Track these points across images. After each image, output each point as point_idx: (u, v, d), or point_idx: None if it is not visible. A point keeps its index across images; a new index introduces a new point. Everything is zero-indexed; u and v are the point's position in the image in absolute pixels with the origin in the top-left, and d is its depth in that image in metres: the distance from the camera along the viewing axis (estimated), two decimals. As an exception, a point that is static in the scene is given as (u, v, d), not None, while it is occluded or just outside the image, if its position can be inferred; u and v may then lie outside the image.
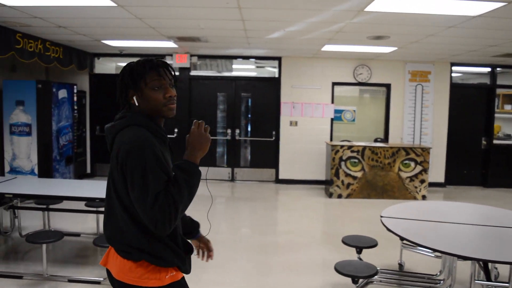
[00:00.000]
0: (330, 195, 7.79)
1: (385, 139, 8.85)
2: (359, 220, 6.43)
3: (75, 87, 7.66)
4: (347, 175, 7.75)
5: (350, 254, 4.51)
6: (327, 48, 7.35)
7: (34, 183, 5.23)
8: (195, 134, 1.77)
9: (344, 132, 8.99)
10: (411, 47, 6.96)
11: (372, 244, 3.93)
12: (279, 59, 8.74)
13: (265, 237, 5.58)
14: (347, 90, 9.07)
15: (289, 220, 6.44)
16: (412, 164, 7.76)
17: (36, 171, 6.96)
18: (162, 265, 1.74)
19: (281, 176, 8.90)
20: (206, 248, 2.20)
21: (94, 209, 4.97)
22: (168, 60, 8.57)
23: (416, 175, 7.78)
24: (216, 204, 7.30)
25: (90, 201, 4.53)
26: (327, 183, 8.04)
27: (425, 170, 7.77)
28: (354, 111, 8.96)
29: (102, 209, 4.92)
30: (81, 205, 5.03)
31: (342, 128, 8.99)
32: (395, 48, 7.17)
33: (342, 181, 7.76)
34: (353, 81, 8.69)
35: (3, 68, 7.43)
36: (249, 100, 9.05)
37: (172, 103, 1.81)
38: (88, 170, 8.98)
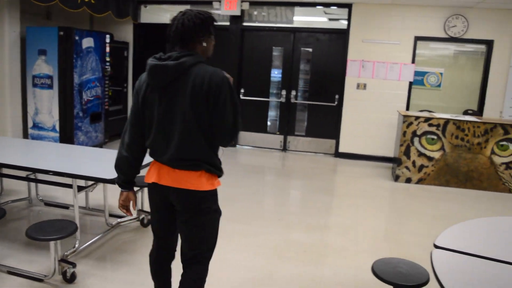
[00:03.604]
0: (396, 178, 6.22)
1: (479, 111, 6.90)
2: (430, 219, 4.85)
3: (107, 36, 6.81)
4: (420, 154, 6.09)
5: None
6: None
7: (16, 146, 4.46)
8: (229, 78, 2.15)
9: (426, 100, 7.19)
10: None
11: (420, 283, 2.38)
12: (349, 6, 7.08)
13: (290, 232, 4.32)
14: (433, 47, 7.17)
15: (336, 210, 5.09)
16: (512, 146, 5.87)
17: (57, 128, 6.34)
18: (216, 173, 2.19)
19: (341, 149, 7.43)
20: (133, 203, 2.43)
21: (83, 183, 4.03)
22: (216, 7, 7.38)
23: (516, 162, 5.89)
24: (259, 177, 6.15)
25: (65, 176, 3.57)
26: (394, 162, 6.46)
27: (530, 156, 5.85)
28: (441, 74, 7.08)
29: (81, 183, 4.12)
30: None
31: (424, 95, 7.18)
32: (501, -12, 5.23)
33: (414, 162, 6.12)
34: (443, 35, 6.77)
35: (36, 16, 6.83)
36: (310, 57, 7.58)
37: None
38: (130, 129, 8.29)
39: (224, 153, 2.55)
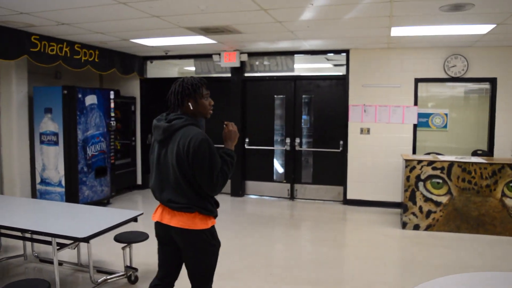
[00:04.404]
0: (403, 225, 5.96)
1: (489, 151, 6.64)
2: (435, 270, 4.55)
3: (111, 92, 7.03)
4: (426, 199, 5.85)
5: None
6: (397, 32, 5.61)
7: (12, 205, 4.55)
8: (231, 131, 2.65)
9: (433, 142, 7.00)
10: (516, 22, 4.91)
11: None
12: (346, 52, 7.12)
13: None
14: (436, 88, 7.06)
15: (334, 262, 4.84)
16: (524, 188, 5.57)
17: (63, 183, 6.47)
18: (208, 214, 2.56)
19: (349, 196, 7.24)
20: None
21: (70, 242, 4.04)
22: (215, 59, 7.56)
23: (529, 204, 5.57)
24: (262, 228, 6.02)
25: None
26: (401, 208, 6.21)
27: (544, 197, 5.52)
28: (446, 115, 6.91)
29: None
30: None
31: (430, 137, 7.00)
32: (493, 26, 5.15)
33: (420, 208, 5.87)
34: (444, 76, 6.67)
35: (45, 76, 7.16)
36: (312, 104, 7.58)
37: (212, 109, 2.67)
38: (139, 182, 8.38)
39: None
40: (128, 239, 4.26)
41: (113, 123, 7.07)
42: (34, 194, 6.70)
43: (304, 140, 7.66)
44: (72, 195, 6.47)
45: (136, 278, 4.20)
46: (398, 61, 6.82)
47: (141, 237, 4.29)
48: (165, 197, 2.55)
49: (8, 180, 6.46)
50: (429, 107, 6.98)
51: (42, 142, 6.55)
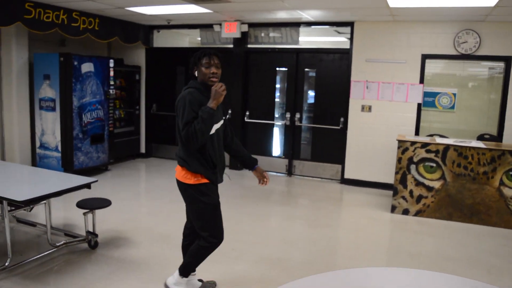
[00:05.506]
0: (392, 209, 5.67)
1: (498, 136, 6.13)
2: (415, 258, 4.33)
3: (111, 61, 7.04)
4: (418, 183, 5.51)
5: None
6: (396, 3, 5.20)
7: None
8: (213, 90, 2.79)
9: (438, 123, 6.56)
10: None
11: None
12: (351, 24, 6.73)
13: (236, 264, 4.07)
14: (444, 65, 6.56)
15: (304, 243, 4.68)
16: (524, 177, 5.12)
17: (59, 148, 6.62)
18: (190, 170, 2.92)
19: (347, 175, 6.97)
20: (262, 177, 3.31)
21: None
22: (216, 30, 7.38)
23: (529, 194, 5.12)
24: (247, 204, 5.94)
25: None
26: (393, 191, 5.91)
27: (548, 188, 5.06)
28: (454, 94, 6.42)
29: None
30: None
31: (436, 117, 6.56)
32: (497, -1, 4.66)
33: (411, 192, 5.55)
34: (454, 52, 6.17)
35: (50, 43, 7.27)
36: (314, 78, 7.28)
37: (212, 77, 2.89)
38: (142, 150, 8.45)
39: (226, 175, 3.21)
40: (91, 205, 4.31)
41: (112, 91, 7.11)
42: (34, 158, 6.92)
43: (304, 115, 7.42)
44: (67, 161, 6.62)
45: (96, 244, 4.25)
46: (404, 35, 6.37)
47: (104, 203, 4.34)
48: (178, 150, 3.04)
49: (9, 144, 6.69)
50: (436, 85, 6.51)
51: (41, 107, 6.71)
